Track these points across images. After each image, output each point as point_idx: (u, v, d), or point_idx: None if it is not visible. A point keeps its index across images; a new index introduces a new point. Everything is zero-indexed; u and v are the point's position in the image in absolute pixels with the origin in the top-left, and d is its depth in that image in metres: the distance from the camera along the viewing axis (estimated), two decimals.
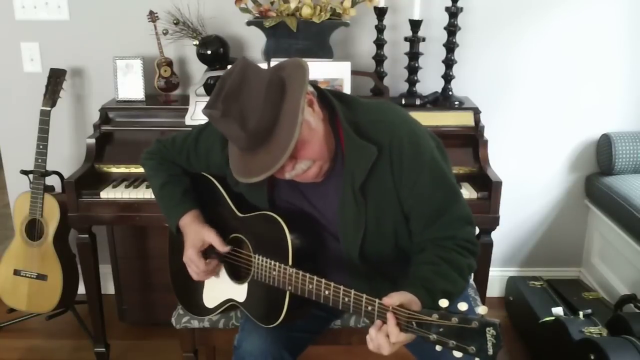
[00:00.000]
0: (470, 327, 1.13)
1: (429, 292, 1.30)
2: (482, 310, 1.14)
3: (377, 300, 1.27)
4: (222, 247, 1.61)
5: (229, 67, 2.32)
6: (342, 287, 1.34)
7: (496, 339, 1.12)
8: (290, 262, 1.46)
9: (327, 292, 1.37)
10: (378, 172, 1.42)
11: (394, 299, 1.25)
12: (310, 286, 1.40)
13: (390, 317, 1.24)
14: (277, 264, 1.47)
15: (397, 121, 1.45)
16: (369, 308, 1.28)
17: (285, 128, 1.30)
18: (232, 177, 1.55)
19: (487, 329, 1.12)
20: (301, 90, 1.32)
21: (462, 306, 1.16)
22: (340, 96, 1.50)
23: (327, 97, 1.46)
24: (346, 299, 1.33)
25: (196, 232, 1.62)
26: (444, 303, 1.18)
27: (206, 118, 1.37)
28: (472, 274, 2.25)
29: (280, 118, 1.31)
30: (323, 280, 1.37)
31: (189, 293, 1.77)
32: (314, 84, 1.47)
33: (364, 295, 1.29)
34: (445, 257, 1.40)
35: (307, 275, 1.40)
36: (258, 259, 1.54)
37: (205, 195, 1.70)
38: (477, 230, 2.31)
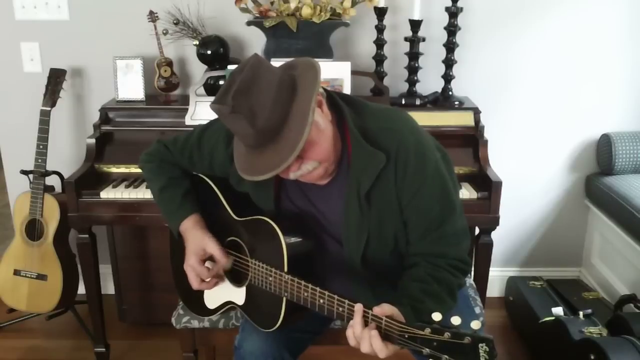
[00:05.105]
0: (462, 342, 1.12)
1: (416, 311, 1.30)
2: (475, 325, 1.12)
3: (370, 312, 1.26)
4: (223, 260, 1.59)
5: (229, 67, 2.35)
6: (336, 297, 1.33)
7: (489, 355, 1.10)
8: (285, 269, 1.45)
9: (321, 301, 1.36)
10: (382, 179, 1.41)
11: (384, 308, 1.25)
12: (306, 294, 1.39)
13: (372, 329, 1.24)
14: (273, 269, 1.47)
15: (406, 130, 1.44)
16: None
17: (294, 127, 1.29)
18: (235, 176, 1.54)
19: (480, 344, 1.10)
20: (312, 91, 1.30)
21: (455, 320, 1.14)
22: (348, 99, 1.49)
23: (335, 100, 1.45)
24: (340, 309, 1.32)
25: (198, 240, 1.61)
26: (437, 317, 1.17)
27: (208, 117, 1.36)
28: (472, 274, 2.27)
29: (290, 117, 1.30)
30: (318, 289, 1.36)
31: (192, 292, 1.76)
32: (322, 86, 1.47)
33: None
34: (436, 277, 1.40)
35: (302, 282, 1.40)
36: (255, 264, 1.54)
37: (202, 198, 1.69)
38: (477, 231, 2.32)
